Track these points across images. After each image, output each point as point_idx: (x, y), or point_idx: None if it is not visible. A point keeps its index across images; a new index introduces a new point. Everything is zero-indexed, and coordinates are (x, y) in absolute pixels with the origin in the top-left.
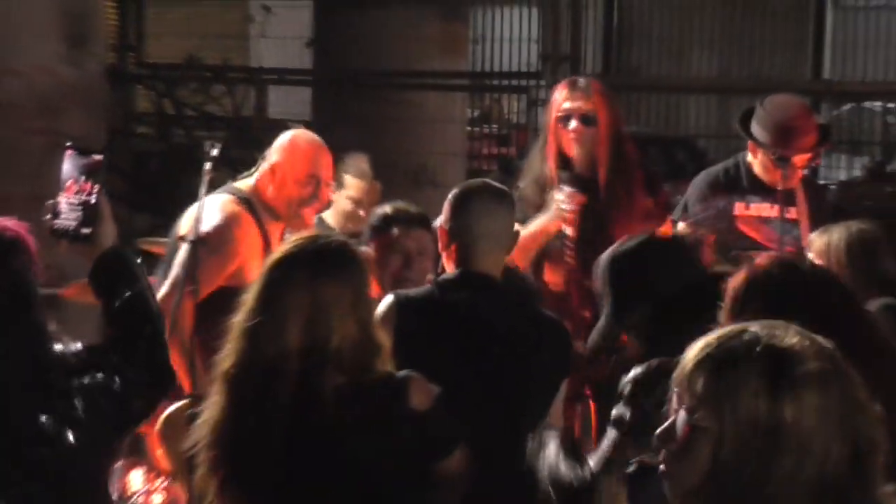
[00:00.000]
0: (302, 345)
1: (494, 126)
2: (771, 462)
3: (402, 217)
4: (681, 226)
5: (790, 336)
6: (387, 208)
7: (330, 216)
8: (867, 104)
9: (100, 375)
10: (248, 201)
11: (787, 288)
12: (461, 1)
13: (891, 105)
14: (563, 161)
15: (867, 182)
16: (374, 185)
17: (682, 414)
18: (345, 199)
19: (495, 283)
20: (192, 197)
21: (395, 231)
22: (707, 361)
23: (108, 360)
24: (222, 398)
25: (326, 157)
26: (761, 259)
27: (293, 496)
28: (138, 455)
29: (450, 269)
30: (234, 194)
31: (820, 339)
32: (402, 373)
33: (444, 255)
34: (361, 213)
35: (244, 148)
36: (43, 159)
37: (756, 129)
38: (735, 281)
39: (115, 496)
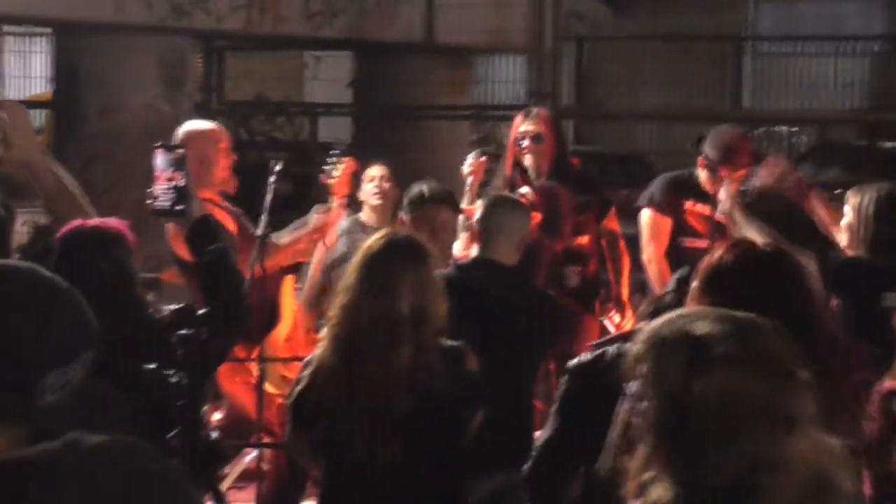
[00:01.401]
0: (411, 314)
1: (492, 145)
2: (685, 436)
3: (433, 196)
4: (645, 212)
5: (708, 323)
6: (422, 187)
7: (364, 215)
8: (775, 128)
9: (187, 329)
10: None
11: (743, 271)
12: (466, 51)
13: (794, 129)
14: (520, 170)
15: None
16: (396, 190)
17: (631, 387)
18: (373, 194)
19: (504, 268)
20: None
21: (428, 207)
22: (646, 346)
23: (193, 315)
24: (336, 355)
25: None
26: (721, 246)
27: (410, 427)
28: (219, 399)
29: (473, 254)
30: None
31: (745, 321)
32: (458, 342)
33: (471, 244)
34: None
35: (301, 165)
36: (147, 175)
37: (707, 149)
38: (702, 266)
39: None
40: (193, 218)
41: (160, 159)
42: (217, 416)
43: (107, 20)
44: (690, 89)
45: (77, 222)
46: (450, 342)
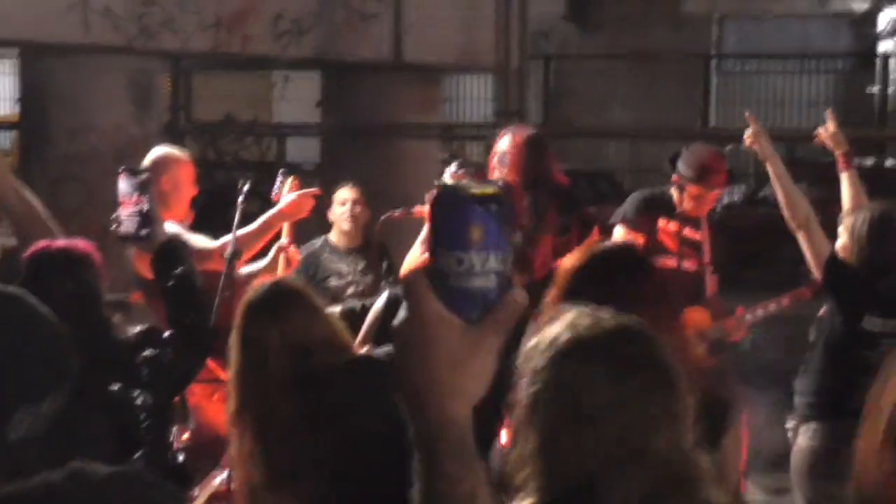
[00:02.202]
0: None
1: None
2: (559, 427)
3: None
4: (618, 229)
5: (578, 323)
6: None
7: (334, 237)
8: (743, 145)
9: (152, 350)
10: None
11: (594, 273)
12: (434, 70)
13: None
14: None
15: (744, 205)
16: (366, 211)
17: (523, 383)
18: (344, 218)
19: None
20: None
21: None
22: (529, 347)
23: (158, 337)
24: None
25: None
26: (577, 251)
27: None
28: (186, 421)
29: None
30: None
31: (616, 322)
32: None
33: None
34: (351, 227)
35: (269, 186)
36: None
37: (682, 167)
38: (564, 266)
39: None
40: (158, 242)
41: (124, 184)
42: (184, 437)
43: (74, 41)
44: (658, 107)
45: (43, 243)
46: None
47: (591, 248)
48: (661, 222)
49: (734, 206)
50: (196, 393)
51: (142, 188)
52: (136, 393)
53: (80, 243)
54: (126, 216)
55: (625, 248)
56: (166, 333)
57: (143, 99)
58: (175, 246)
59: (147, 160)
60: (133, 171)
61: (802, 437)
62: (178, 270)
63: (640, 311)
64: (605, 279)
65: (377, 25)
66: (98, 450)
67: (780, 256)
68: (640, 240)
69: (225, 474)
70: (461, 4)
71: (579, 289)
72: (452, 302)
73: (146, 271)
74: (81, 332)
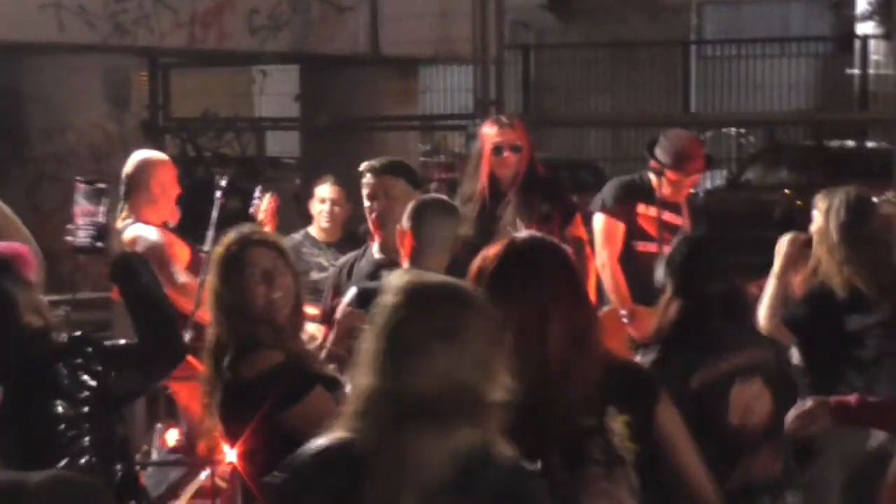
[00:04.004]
0: None
1: (442, 156)
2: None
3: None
4: (597, 216)
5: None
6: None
7: (314, 230)
8: (724, 130)
9: (80, 359)
10: None
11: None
12: (411, 62)
13: (742, 130)
14: (493, 180)
15: (726, 190)
16: (346, 207)
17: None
18: (323, 212)
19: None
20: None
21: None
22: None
23: (86, 345)
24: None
25: None
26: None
27: None
28: (174, 417)
29: (404, 261)
30: None
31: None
32: None
33: (401, 249)
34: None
35: (249, 181)
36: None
37: (660, 153)
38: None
39: (154, 453)
40: (113, 255)
41: (80, 194)
42: (175, 434)
43: (49, 40)
44: (638, 95)
45: None
46: None
47: (502, 244)
48: (641, 208)
49: (716, 191)
50: (182, 394)
51: (97, 199)
52: (55, 402)
53: (8, 248)
54: (80, 228)
55: (534, 239)
56: (122, 342)
57: (119, 97)
58: (129, 261)
59: (130, 165)
60: (90, 182)
61: None
62: (137, 284)
63: (547, 300)
64: (515, 271)
65: (353, 18)
66: (9, 460)
67: (761, 240)
68: (619, 227)
69: (209, 470)
70: None
71: (497, 283)
72: None
73: None
74: None
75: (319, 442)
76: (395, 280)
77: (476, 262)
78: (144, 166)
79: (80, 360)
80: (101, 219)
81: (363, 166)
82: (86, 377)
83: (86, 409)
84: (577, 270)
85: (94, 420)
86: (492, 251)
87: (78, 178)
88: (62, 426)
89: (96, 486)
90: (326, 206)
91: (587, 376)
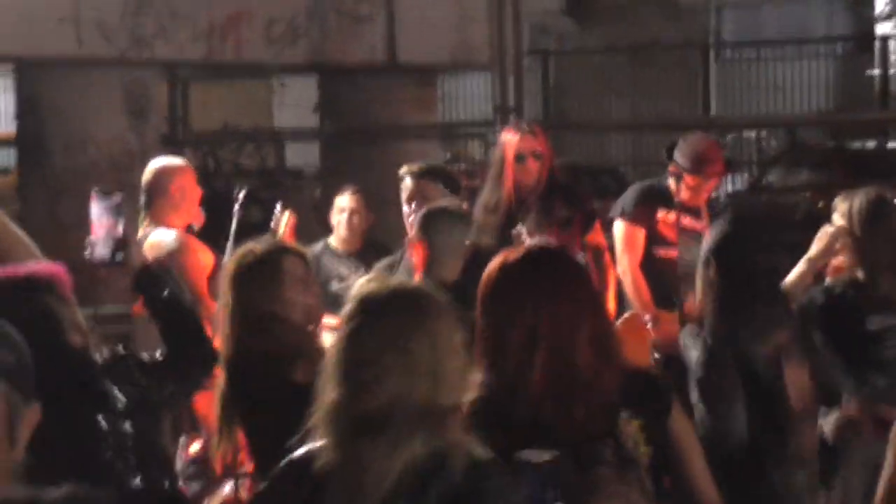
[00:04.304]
0: None
1: (462, 164)
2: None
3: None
4: (617, 223)
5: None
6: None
7: (334, 240)
8: (745, 133)
9: (122, 375)
10: None
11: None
12: (429, 69)
13: (763, 133)
14: (516, 188)
15: (748, 193)
16: (366, 217)
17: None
18: (342, 221)
19: (449, 288)
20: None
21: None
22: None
23: (127, 361)
24: None
25: None
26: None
27: None
28: (198, 430)
29: (417, 272)
30: None
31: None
32: None
33: (414, 260)
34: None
35: (269, 190)
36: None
37: (679, 157)
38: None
39: (179, 464)
40: (134, 268)
41: (96, 207)
42: (196, 447)
43: (68, 55)
44: (658, 99)
45: (9, 269)
46: None
47: (508, 253)
48: (661, 213)
49: (738, 195)
50: (202, 403)
51: (115, 211)
52: (100, 419)
53: (46, 268)
54: (100, 241)
55: (544, 249)
56: (157, 355)
57: (139, 110)
58: (152, 272)
59: (148, 172)
60: (105, 193)
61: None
62: (162, 295)
63: (559, 308)
64: (525, 280)
65: (370, 27)
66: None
67: (783, 243)
68: (640, 233)
69: (233, 482)
70: (454, 2)
71: (501, 292)
72: None
73: None
74: (43, 359)
75: (296, 452)
76: (356, 289)
77: (490, 271)
78: (162, 173)
79: (122, 376)
80: (119, 231)
81: (402, 170)
82: (128, 393)
83: (128, 424)
84: (592, 279)
85: (140, 436)
86: (505, 260)
87: (95, 188)
88: (108, 443)
89: None
90: (346, 216)
91: (610, 385)
